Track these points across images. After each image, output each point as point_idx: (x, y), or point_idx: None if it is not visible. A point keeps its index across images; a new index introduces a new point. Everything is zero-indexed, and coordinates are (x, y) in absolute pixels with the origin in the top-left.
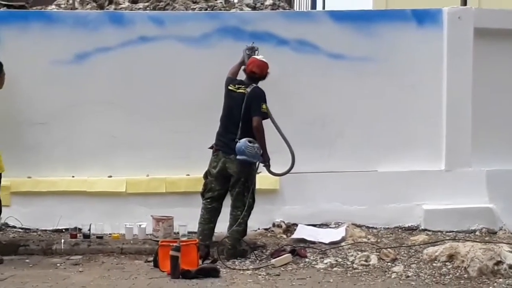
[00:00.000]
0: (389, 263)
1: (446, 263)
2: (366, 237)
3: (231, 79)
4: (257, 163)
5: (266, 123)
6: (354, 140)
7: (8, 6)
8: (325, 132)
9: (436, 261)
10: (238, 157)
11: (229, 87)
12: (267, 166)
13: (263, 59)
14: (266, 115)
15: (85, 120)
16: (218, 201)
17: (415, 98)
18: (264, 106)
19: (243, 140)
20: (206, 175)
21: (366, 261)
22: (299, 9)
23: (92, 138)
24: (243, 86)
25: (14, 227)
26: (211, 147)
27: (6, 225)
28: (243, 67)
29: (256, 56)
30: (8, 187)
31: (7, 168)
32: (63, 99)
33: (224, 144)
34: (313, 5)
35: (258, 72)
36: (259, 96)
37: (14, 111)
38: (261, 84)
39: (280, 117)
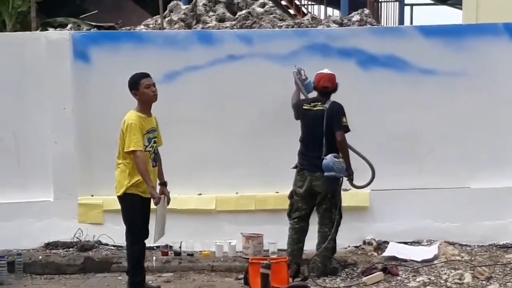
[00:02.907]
0: (483, 282)
1: None
2: (460, 255)
3: (302, 100)
4: (341, 178)
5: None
6: (445, 156)
7: (98, 28)
8: (416, 148)
9: None
10: (326, 174)
11: (304, 107)
12: (351, 180)
13: (330, 72)
14: (348, 128)
15: (175, 139)
16: (305, 220)
17: (508, 113)
18: (344, 120)
19: (329, 156)
20: (291, 195)
21: (460, 279)
22: (386, 24)
23: (182, 156)
24: (319, 103)
25: (107, 244)
26: (295, 167)
27: (99, 242)
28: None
29: (322, 71)
30: (101, 205)
31: (101, 187)
32: None
33: (308, 163)
34: (401, 21)
35: (330, 86)
36: (339, 110)
37: (106, 130)
38: (351, 99)
39: (370, 132)
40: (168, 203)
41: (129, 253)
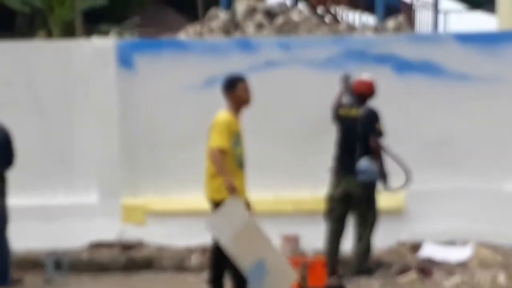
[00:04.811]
0: None
1: None
2: (493, 256)
3: (339, 105)
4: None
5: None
6: (480, 159)
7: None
8: (451, 151)
9: None
10: (359, 177)
11: (340, 112)
12: (385, 183)
13: (368, 78)
14: (382, 133)
15: None
16: (341, 222)
17: None
18: (378, 125)
19: (363, 160)
20: (328, 198)
21: (493, 280)
22: (420, 30)
23: None
24: (355, 108)
25: (149, 244)
26: (331, 171)
27: (142, 242)
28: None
29: (361, 76)
30: (143, 206)
31: (144, 188)
32: (194, 123)
33: (343, 166)
34: (435, 26)
35: (367, 91)
36: (374, 116)
37: (149, 133)
38: (387, 104)
39: (405, 136)
40: None
41: None
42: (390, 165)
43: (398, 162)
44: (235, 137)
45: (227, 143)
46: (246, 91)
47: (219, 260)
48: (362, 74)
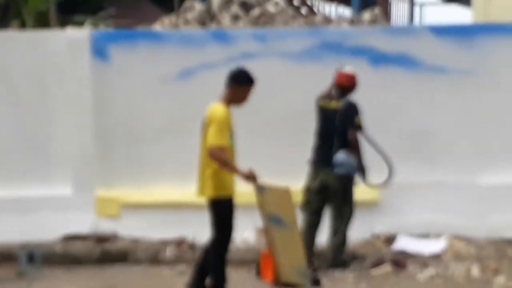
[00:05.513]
0: (490, 275)
1: None
2: (467, 249)
3: (321, 96)
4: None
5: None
6: (455, 152)
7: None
8: (426, 145)
9: None
10: (336, 170)
11: (321, 104)
12: (363, 177)
13: (350, 71)
14: (360, 127)
15: (190, 136)
16: (318, 214)
17: None
18: (357, 119)
19: (340, 153)
20: (305, 190)
21: (467, 272)
22: (396, 23)
23: (197, 153)
24: (334, 101)
25: (123, 237)
26: (309, 162)
27: (116, 235)
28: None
29: (344, 68)
30: (118, 199)
31: (119, 181)
32: (169, 115)
33: (321, 159)
34: (410, 19)
35: (347, 84)
36: (353, 109)
37: (124, 125)
38: (363, 96)
39: (380, 129)
40: None
41: None
42: (369, 159)
43: (383, 156)
44: (230, 131)
45: (227, 141)
46: (248, 94)
47: (206, 262)
48: (345, 67)
